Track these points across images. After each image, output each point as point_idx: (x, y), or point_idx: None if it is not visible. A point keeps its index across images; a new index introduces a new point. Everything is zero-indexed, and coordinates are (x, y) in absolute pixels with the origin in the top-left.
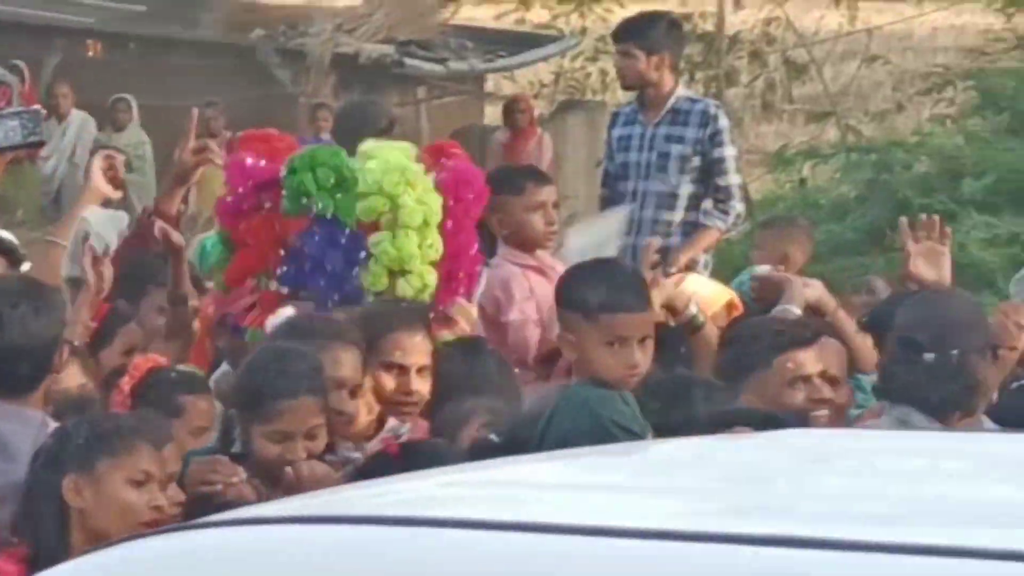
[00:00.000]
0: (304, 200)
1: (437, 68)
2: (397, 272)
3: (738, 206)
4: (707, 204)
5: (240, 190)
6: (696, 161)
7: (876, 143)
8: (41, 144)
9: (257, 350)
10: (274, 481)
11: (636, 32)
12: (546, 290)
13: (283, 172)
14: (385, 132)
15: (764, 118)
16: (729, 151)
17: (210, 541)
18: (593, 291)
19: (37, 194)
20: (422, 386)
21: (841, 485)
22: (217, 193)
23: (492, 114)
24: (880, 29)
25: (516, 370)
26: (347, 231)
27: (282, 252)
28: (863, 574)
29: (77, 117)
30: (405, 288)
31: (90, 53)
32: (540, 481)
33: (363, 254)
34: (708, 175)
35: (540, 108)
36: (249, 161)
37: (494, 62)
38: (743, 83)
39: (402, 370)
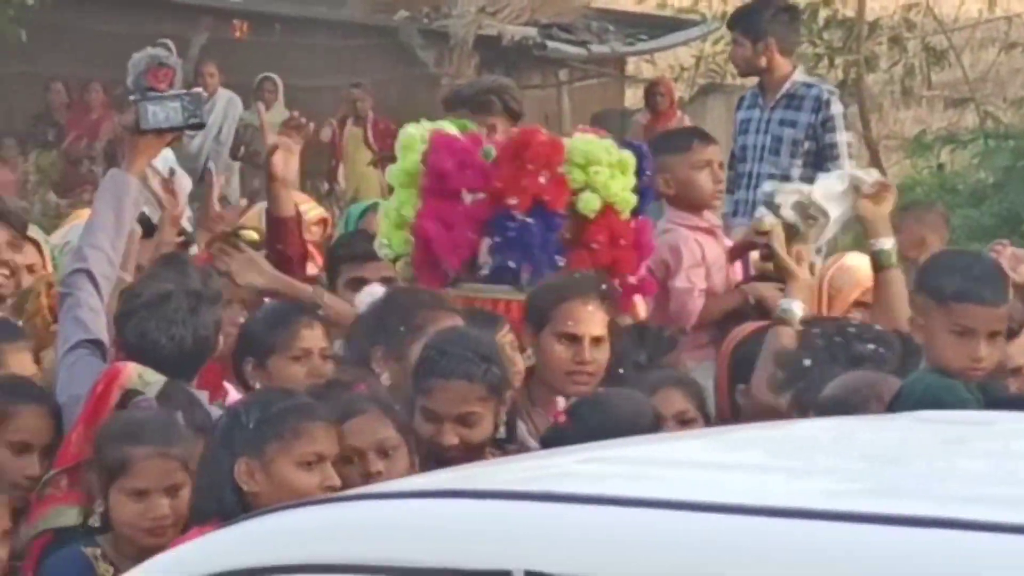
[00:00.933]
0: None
1: (579, 51)
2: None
3: None
4: None
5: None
6: (808, 145)
7: (1014, 130)
8: (201, 126)
9: (441, 330)
10: (429, 456)
11: (742, 20)
12: (715, 252)
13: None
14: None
15: (903, 104)
16: (841, 137)
17: (351, 513)
18: (949, 278)
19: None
20: (598, 355)
21: (977, 467)
22: (361, 170)
23: (632, 97)
24: (1020, 16)
25: (673, 335)
26: (556, 219)
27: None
28: (998, 554)
29: (223, 96)
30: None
31: (236, 33)
32: (682, 459)
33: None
34: (821, 160)
35: (680, 91)
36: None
37: (635, 45)
38: (883, 69)
39: (575, 339)
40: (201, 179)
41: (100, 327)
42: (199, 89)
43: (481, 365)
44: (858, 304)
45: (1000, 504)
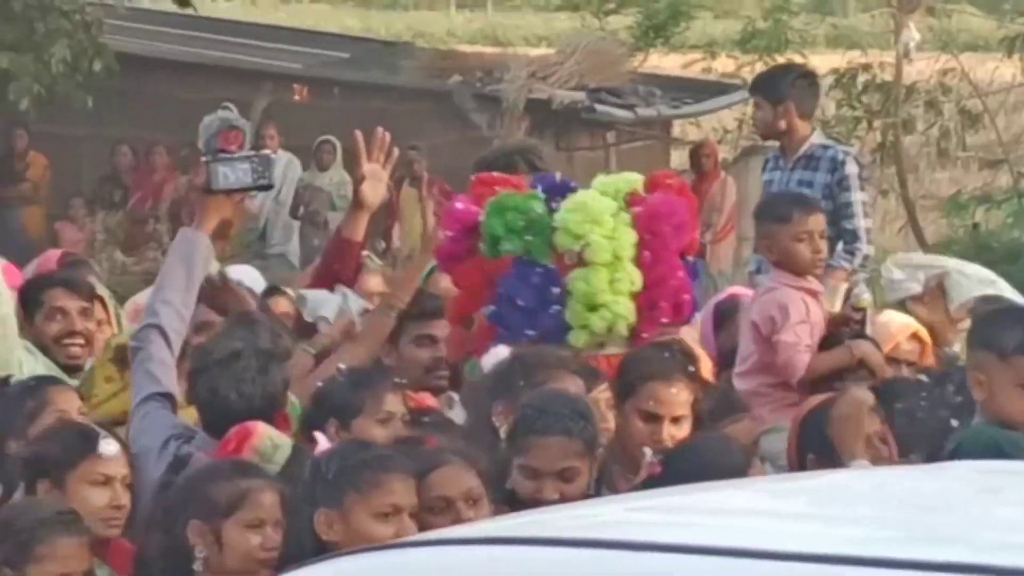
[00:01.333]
0: (499, 243)
1: (626, 114)
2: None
3: (865, 248)
4: (839, 246)
5: (452, 234)
6: (824, 204)
7: None
8: (270, 187)
9: (537, 390)
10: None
11: (763, 84)
12: (818, 314)
13: (480, 217)
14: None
15: (939, 165)
16: (856, 196)
17: (412, 559)
18: (1010, 333)
19: (244, 230)
20: (676, 432)
21: (1011, 515)
22: (417, 229)
23: (678, 158)
24: None
25: (778, 392)
26: (539, 270)
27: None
28: None
29: (283, 158)
30: (597, 322)
31: (296, 97)
32: (731, 507)
33: (557, 291)
34: (837, 218)
35: (724, 153)
36: (459, 206)
37: (680, 109)
38: (919, 131)
39: (657, 418)
40: (262, 236)
41: (171, 380)
42: (268, 151)
43: (579, 422)
44: (889, 359)
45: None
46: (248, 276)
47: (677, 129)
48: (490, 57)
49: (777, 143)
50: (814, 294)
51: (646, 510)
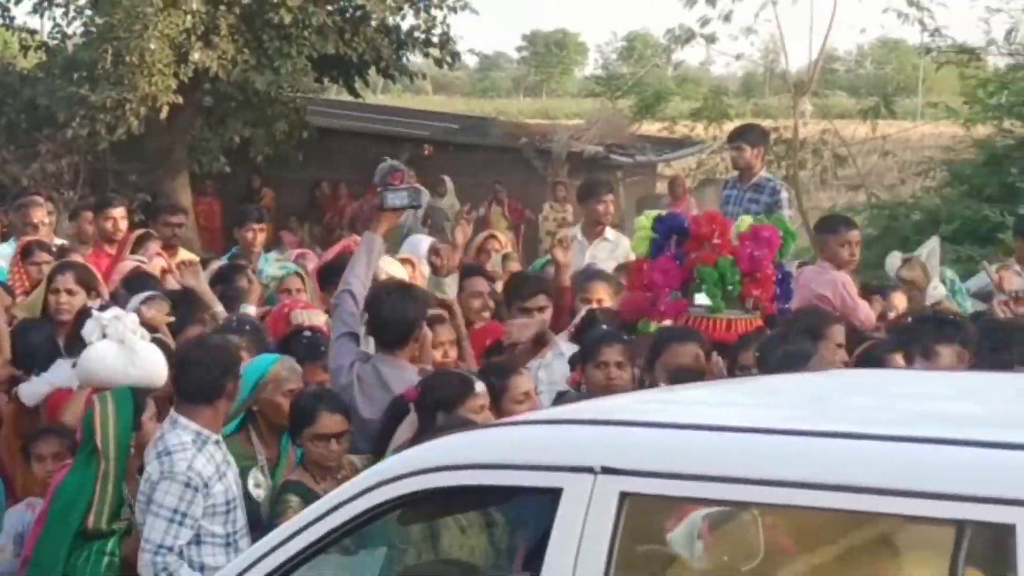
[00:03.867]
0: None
1: (628, 160)
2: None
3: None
4: None
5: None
6: (766, 216)
7: (888, 204)
8: (419, 207)
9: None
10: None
11: (745, 134)
12: (851, 289)
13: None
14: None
15: (821, 189)
16: (786, 212)
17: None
18: None
19: (391, 236)
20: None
21: (866, 402)
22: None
23: (661, 187)
24: (889, 137)
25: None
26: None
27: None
28: (877, 458)
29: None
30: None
31: (425, 152)
32: (699, 398)
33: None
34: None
35: (689, 183)
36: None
37: (661, 156)
38: (808, 168)
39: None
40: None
41: (356, 324)
42: (419, 185)
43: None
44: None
45: (877, 424)
46: (392, 266)
47: (660, 168)
48: (545, 126)
49: (721, 177)
50: (845, 280)
51: (651, 401)
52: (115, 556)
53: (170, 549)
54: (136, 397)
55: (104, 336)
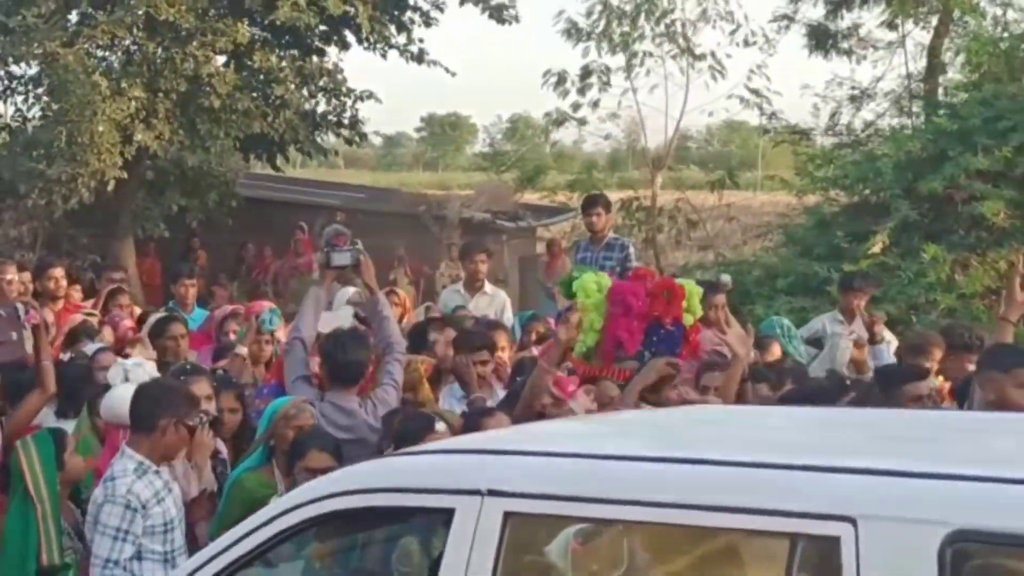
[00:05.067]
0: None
1: (512, 225)
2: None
3: None
4: None
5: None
6: (618, 271)
7: (733, 261)
8: (356, 266)
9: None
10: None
11: (604, 203)
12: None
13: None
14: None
15: (677, 249)
16: (634, 264)
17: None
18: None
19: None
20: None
21: (712, 433)
22: (405, 290)
23: (540, 247)
24: (735, 204)
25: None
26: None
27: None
28: (722, 480)
29: None
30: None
31: (338, 218)
32: (572, 431)
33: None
34: (624, 278)
35: (565, 244)
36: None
37: (540, 221)
38: (665, 231)
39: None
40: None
41: (306, 368)
42: (360, 247)
43: None
44: None
45: (728, 451)
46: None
47: (540, 231)
48: (440, 196)
49: (589, 235)
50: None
51: (531, 432)
52: None
53: (116, 563)
54: (56, 438)
55: (127, 380)
